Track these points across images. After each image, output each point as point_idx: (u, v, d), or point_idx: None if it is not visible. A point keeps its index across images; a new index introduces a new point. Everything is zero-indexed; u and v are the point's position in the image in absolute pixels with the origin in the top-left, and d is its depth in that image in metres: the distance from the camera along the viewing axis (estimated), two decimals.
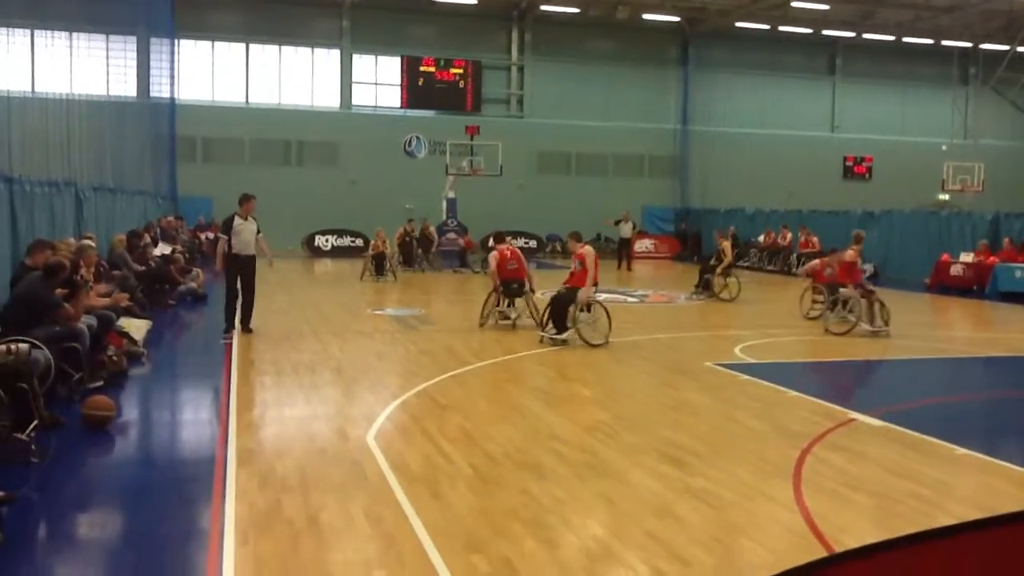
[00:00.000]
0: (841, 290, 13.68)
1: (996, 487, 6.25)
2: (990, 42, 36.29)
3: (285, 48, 32.70)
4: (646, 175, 36.18)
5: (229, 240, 12.21)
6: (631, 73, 35.64)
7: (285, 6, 31.32)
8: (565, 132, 34.57)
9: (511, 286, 13.67)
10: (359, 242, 31.22)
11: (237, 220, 12.26)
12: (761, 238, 29.26)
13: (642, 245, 32.90)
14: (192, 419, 8.49)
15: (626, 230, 28.24)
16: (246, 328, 12.49)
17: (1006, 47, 35.79)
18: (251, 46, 32.35)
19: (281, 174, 31.83)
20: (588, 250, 12.58)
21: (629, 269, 27.03)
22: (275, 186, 31.24)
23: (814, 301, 15.07)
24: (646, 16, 33.52)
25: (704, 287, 18.77)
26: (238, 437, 7.09)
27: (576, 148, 34.99)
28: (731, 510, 5.59)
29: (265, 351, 11.20)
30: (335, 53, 33.06)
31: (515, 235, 32.95)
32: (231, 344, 11.59)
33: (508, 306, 13.69)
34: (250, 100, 32.51)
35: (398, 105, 33.57)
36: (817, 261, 15.82)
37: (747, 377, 9.99)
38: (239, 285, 12.39)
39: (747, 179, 35.43)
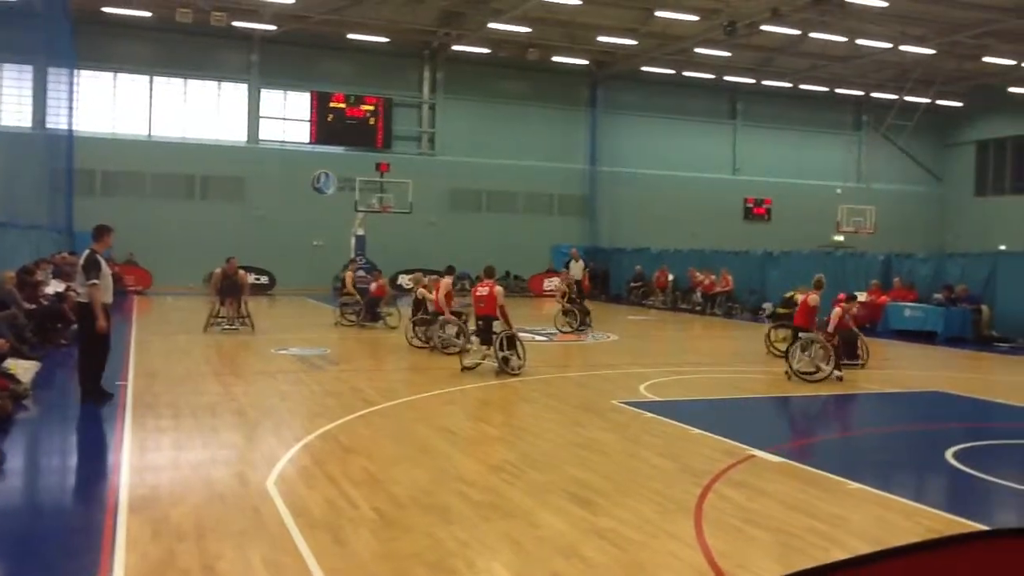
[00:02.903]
0: (802, 334, 13.47)
1: (888, 520, 6.45)
2: (881, 91, 38.27)
3: (191, 81, 32.11)
4: (556, 213, 36.65)
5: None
6: (542, 113, 36.22)
7: (192, 38, 30.78)
8: (476, 170, 34.81)
9: (478, 323, 13.63)
10: (264, 279, 30.63)
11: (100, 259, 10.03)
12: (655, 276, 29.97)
13: (551, 283, 33.18)
14: (81, 465, 8.12)
15: (576, 270, 23.55)
16: (100, 395, 10.21)
17: (895, 96, 37.81)
18: (155, 78, 31.66)
19: (184, 209, 31.11)
20: (499, 289, 13.54)
21: (586, 314, 22.00)
22: (178, 221, 30.60)
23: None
24: (556, 58, 34.21)
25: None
26: (131, 484, 6.80)
27: (487, 186, 35.25)
28: (635, 549, 5.62)
29: (163, 393, 10.82)
30: (242, 87, 32.62)
31: (425, 272, 32.94)
32: (126, 386, 11.17)
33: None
34: (153, 133, 31.75)
35: (307, 140, 33.27)
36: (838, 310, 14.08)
37: (651, 415, 10.13)
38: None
39: (653, 219, 36.25)
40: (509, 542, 5.69)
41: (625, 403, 10.91)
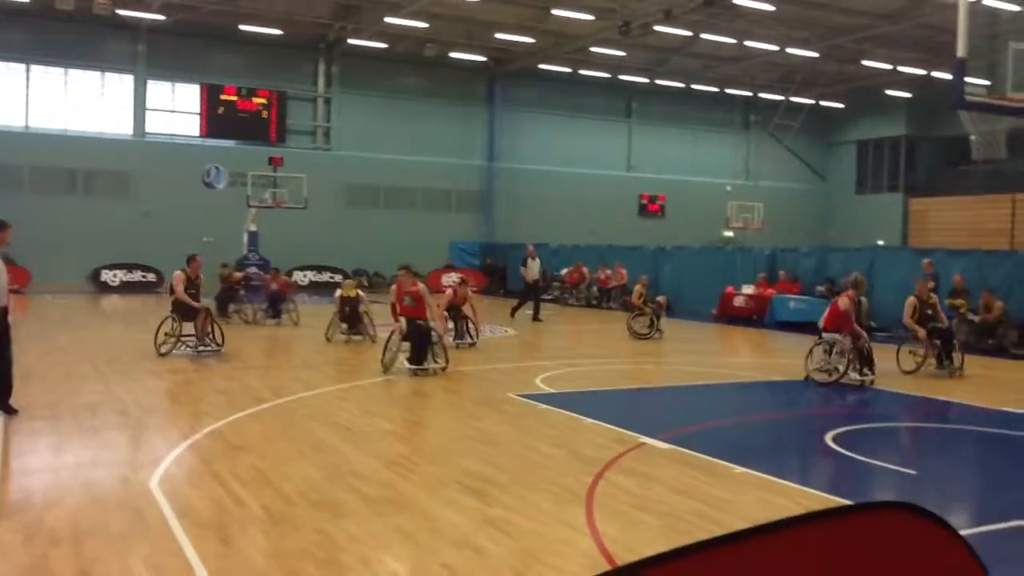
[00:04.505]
0: (824, 335, 12.81)
1: (770, 501, 6.68)
2: (768, 92, 39.62)
3: (72, 71, 30.73)
4: (454, 210, 36.63)
5: None
6: (440, 109, 36.11)
7: (72, 26, 29.45)
8: (373, 166, 34.46)
9: (412, 324, 12.48)
10: (151, 277, 29.63)
11: None
12: (564, 271, 30.21)
13: (449, 279, 33.14)
14: None
15: (534, 269, 22.90)
16: (7, 408, 9.10)
17: (782, 97, 39.21)
18: (33, 67, 30.19)
19: (65, 204, 29.76)
20: (422, 286, 13.01)
21: (538, 319, 22.08)
22: (58, 217, 29.25)
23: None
24: (454, 54, 34.16)
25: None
26: (2, 488, 6.47)
27: (384, 182, 34.93)
28: (528, 538, 5.66)
29: (41, 394, 10.33)
30: (128, 78, 31.41)
31: (321, 269, 32.47)
32: None
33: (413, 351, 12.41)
34: (31, 125, 30.27)
35: (197, 134, 32.29)
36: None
37: (546, 406, 10.23)
38: None
39: (551, 215, 36.63)
40: (401, 535, 5.65)
41: (520, 395, 10.99)
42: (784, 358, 16.63)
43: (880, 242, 33.51)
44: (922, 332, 13.58)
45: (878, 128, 41.41)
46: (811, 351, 12.97)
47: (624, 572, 1.16)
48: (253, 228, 29.11)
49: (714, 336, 20.41)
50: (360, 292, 17.05)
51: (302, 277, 31.65)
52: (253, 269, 27.01)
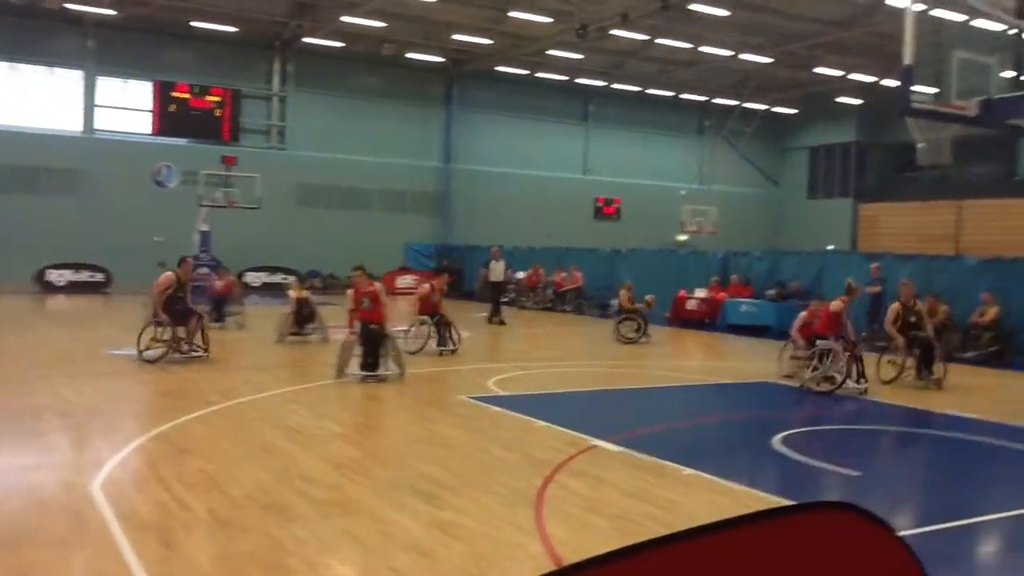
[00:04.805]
0: (820, 342, 12.45)
1: (718, 503, 6.76)
2: (722, 97, 40.09)
3: (19, 66, 30.00)
4: (409, 211, 36.47)
5: None
6: (396, 109, 35.93)
7: (18, 20, 28.78)
8: (328, 166, 34.17)
9: (367, 329, 12.08)
10: (99, 277, 29.08)
11: None
12: (521, 274, 30.22)
13: (404, 281, 33.06)
14: None
15: (497, 270, 22.54)
16: None
17: (736, 102, 39.74)
18: None
19: (11, 202, 29.00)
20: (379, 286, 12.82)
21: (501, 322, 21.83)
22: (3, 215, 28.56)
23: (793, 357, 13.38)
24: (411, 55, 34.02)
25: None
26: None
27: (340, 182, 34.63)
28: (478, 541, 5.65)
29: None
30: (77, 74, 30.78)
31: (274, 270, 32.12)
32: None
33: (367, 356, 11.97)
34: None
35: (148, 132, 31.73)
36: (805, 313, 13.50)
37: (499, 409, 10.23)
38: None
39: (508, 217, 36.63)
40: (350, 539, 5.61)
41: (473, 398, 10.97)
42: (735, 361, 16.83)
43: (831, 247, 34.10)
44: (900, 340, 13.22)
45: (829, 134, 42.10)
46: (805, 359, 12.56)
47: (566, 573, 1.17)
48: (205, 228, 28.70)
49: (667, 339, 20.57)
50: (305, 292, 16.91)
51: (255, 278, 31.27)
52: (205, 270, 26.61)
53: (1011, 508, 7.00)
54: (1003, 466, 9.05)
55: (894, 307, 13.61)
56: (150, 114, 31.71)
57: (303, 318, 16.51)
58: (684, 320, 23.15)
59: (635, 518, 6.21)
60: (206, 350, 13.68)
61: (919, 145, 13.87)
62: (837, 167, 42.19)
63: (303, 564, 5.13)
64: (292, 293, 17.16)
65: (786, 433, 9.40)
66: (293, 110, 34.28)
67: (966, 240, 31.08)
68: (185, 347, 13.45)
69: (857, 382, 12.29)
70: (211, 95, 32.42)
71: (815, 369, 12.36)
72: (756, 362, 15.68)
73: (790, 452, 8.58)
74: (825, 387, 12.23)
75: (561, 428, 9.18)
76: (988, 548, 6.64)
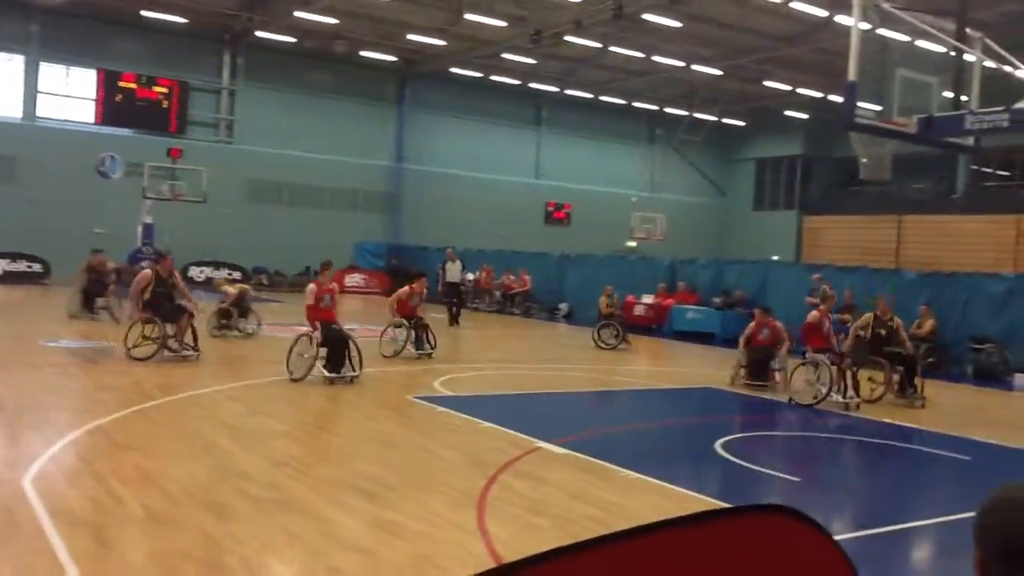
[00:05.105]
0: (808, 355, 12.23)
1: (660, 505, 6.81)
2: (673, 106, 40.51)
3: None
4: (360, 210, 36.18)
5: None
6: (348, 107, 35.64)
7: None
8: (278, 162, 33.73)
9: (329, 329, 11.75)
10: (37, 267, 28.31)
11: None
12: (471, 276, 30.15)
13: (352, 279, 32.79)
14: None
15: (453, 271, 22.47)
16: None
17: (686, 112, 40.19)
18: None
19: None
20: (335, 286, 12.82)
21: (456, 323, 21.93)
22: None
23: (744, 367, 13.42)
24: (364, 53, 33.78)
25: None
26: None
27: (289, 179, 34.20)
28: (420, 540, 5.62)
29: None
30: (19, 59, 29.96)
31: (219, 265, 31.58)
32: None
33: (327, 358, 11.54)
34: None
35: (92, 121, 31.01)
36: (753, 324, 13.56)
37: (445, 410, 10.19)
38: None
39: (459, 219, 36.53)
40: (288, 537, 5.53)
41: (420, 398, 10.92)
42: (681, 366, 17.02)
43: (775, 257, 34.65)
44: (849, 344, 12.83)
45: (776, 147, 42.80)
46: (792, 372, 12.43)
47: (502, 572, 1.15)
48: (148, 220, 28.13)
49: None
50: (247, 287, 16.77)
51: (199, 273, 30.71)
52: (145, 263, 26.00)
53: (944, 514, 7.18)
54: (940, 472, 9.29)
55: (866, 316, 13.39)
56: (94, 103, 30.99)
57: (241, 312, 16.31)
58: (632, 325, 23.27)
59: (577, 519, 6.23)
60: (195, 348, 13.19)
61: (861, 160, 14.14)
62: (783, 179, 42.90)
63: (240, 563, 5.04)
64: (229, 288, 16.90)
65: (729, 438, 9.52)
66: (243, 104, 33.80)
67: (906, 254, 31.84)
68: (175, 345, 12.93)
69: (845, 395, 12.01)
70: (158, 86, 31.81)
71: (808, 382, 12.04)
72: (702, 368, 15.87)
73: (732, 456, 8.69)
74: (808, 399, 11.93)
75: (506, 430, 9.17)
76: (921, 553, 6.80)
